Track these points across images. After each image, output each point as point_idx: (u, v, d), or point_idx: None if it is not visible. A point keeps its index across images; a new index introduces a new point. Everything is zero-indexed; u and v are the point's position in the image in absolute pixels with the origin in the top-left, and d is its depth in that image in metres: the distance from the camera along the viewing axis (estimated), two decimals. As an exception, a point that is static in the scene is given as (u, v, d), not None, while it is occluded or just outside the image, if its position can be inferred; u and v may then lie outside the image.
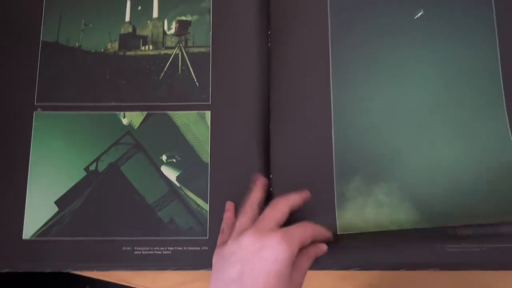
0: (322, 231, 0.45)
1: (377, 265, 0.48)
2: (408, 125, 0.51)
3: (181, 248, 0.49)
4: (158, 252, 0.49)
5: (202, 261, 0.49)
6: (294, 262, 0.41)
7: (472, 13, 0.53)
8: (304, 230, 0.42)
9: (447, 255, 0.47)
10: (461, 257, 0.47)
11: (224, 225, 0.47)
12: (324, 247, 0.45)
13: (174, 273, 0.51)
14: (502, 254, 0.47)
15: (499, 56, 0.51)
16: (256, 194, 0.47)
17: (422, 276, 0.50)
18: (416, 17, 0.53)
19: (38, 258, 0.49)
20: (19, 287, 0.59)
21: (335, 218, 0.48)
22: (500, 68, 0.51)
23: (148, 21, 0.56)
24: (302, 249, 0.42)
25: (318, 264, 0.48)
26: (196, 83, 0.53)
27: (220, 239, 0.46)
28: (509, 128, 0.50)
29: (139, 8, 0.56)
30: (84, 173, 0.52)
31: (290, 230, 0.41)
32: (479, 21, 0.53)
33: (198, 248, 0.49)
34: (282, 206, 0.44)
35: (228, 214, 0.48)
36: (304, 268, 0.42)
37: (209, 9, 0.55)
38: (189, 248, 0.49)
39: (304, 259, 0.42)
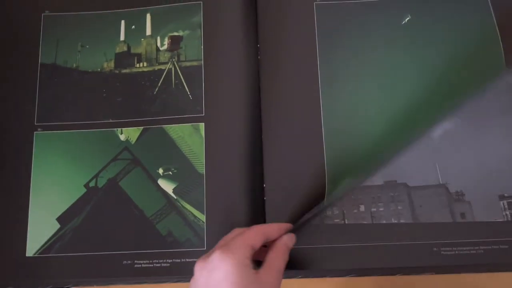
0: (275, 228, 0.44)
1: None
2: (398, 128, 0.51)
3: (179, 260, 0.50)
4: (157, 265, 0.50)
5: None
6: (264, 262, 0.40)
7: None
8: (248, 234, 0.41)
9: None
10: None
11: None
12: (290, 238, 0.44)
13: (173, 286, 0.51)
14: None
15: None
16: (241, 230, 0.44)
17: (420, 282, 0.49)
18: (403, 22, 0.53)
19: (41, 274, 0.50)
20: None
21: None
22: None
23: (142, 39, 0.57)
24: (269, 248, 0.42)
25: (314, 272, 0.48)
26: (190, 96, 0.54)
27: None
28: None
29: (133, 27, 0.58)
30: (84, 190, 0.53)
31: (229, 240, 0.40)
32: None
33: (197, 260, 0.49)
34: (251, 230, 0.42)
35: None
36: (277, 265, 0.41)
37: (200, 23, 0.56)
38: (187, 259, 0.50)
39: (275, 257, 0.41)
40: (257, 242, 0.41)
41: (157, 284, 0.51)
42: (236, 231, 0.43)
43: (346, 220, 0.49)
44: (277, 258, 0.41)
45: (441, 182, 0.50)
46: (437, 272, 0.48)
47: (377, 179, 0.50)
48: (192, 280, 0.40)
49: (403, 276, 0.48)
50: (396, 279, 0.49)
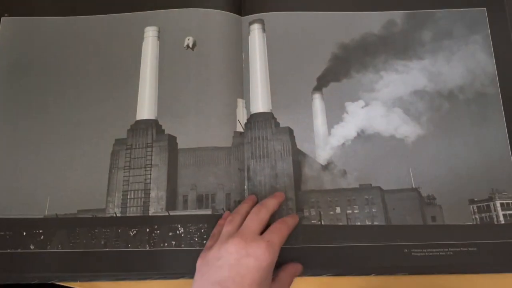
0: (294, 223, 0.48)
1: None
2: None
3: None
4: None
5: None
6: (278, 277, 0.44)
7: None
8: (282, 234, 0.45)
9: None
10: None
11: (215, 230, 0.49)
12: (300, 267, 0.48)
13: (154, 282, 0.52)
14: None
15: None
16: (244, 206, 0.49)
17: (394, 284, 0.51)
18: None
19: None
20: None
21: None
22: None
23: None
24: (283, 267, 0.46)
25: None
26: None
27: (208, 243, 0.48)
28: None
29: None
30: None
31: (272, 240, 0.43)
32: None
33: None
34: (263, 215, 0.47)
35: (221, 222, 0.50)
36: (286, 284, 0.46)
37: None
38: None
39: (287, 276, 0.46)
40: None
41: (139, 281, 0.52)
42: (265, 213, 0.47)
43: (322, 221, 0.51)
44: (287, 278, 0.46)
45: (413, 186, 0.52)
46: (410, 273, 0.50)
47: (352, 182, 0.53)
48: (223, 246, 0.43)
49: (378, 276, 0.50)
50: (371, 279, 0.50)
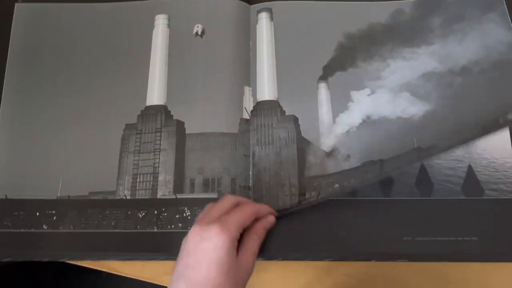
0: (263, 208, 0.47)
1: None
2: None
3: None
4: None
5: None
6: (242, 245, 0.42)
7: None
8: (241, 214, 0.44)
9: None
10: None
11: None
12: (271, 219, 0.46)
13: (161, 263, 0.53)
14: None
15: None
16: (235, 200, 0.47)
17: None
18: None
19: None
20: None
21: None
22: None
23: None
24: (247, 230, 0.44)
25: (293, 255, 0.49)
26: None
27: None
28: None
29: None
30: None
31: (227, 218, 0.42)
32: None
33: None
34: (246, 209, 0.45)
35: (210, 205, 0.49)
36: (254, 249, 0.44)
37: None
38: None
39: (251, 240, 0.44)
40: (249, 223, 0.44)
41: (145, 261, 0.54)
42: (230, 200, 0.46)
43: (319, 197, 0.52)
44: (254, 241, 0.44)
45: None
46: (411, 259, 0.48)
47: (355, 163, 0.53)
48: (184, 239, 0.43)
49: (379, 262, 0.49)
50: (371, 265, 0.49)
